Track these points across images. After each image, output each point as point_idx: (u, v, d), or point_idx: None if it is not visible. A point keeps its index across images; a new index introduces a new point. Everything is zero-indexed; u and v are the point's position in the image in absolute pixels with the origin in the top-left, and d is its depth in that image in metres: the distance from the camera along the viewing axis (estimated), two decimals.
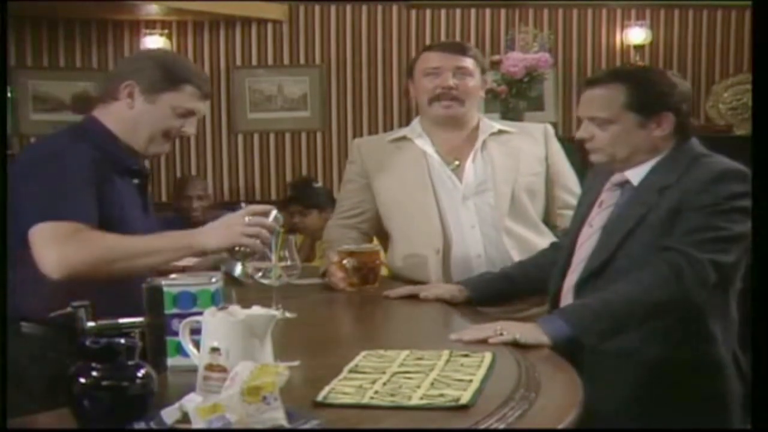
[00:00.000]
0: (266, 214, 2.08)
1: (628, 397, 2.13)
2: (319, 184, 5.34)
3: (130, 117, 2.19)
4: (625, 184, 2.25)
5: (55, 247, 1.96)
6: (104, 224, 2.07)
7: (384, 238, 2.98)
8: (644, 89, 2.20)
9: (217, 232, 2.07)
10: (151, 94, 2.18)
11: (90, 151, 2.12)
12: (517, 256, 2.66)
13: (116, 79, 2.22)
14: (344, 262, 2.54)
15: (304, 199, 4.89)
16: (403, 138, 2.85)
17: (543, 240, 2.71)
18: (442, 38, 5.91)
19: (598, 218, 2.27)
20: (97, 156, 2.12)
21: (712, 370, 2.12)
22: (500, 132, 2.82)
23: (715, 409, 2.14)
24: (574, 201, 2.77)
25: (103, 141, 2.18)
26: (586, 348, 2.09)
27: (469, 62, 2.78)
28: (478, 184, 2.76)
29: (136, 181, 2.25)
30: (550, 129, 2.92)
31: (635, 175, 2.23)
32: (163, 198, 5.81)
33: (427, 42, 5.88)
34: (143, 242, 2.07)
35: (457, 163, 2.78)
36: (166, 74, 2.19)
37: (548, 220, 2.85)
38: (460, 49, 2.83)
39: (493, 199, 2.74)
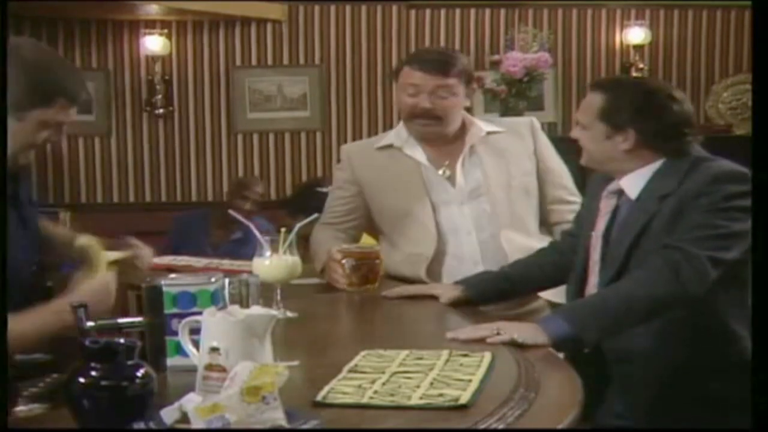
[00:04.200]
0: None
1: (644, 401, 2.14)
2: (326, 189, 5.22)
3: None
4: (621, 192, 2.26)
5: None
6: None
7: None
8: (615, 103, 2.21)
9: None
10: (20, 111, 1.96)
11: None
12: None
13: None
14: (343, 261, 2.54)
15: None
16: (391, 146, 2.81)
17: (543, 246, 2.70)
18: (442, 39, 5.92)
19: (598, 226, 2.29)
20: None
21: (741, 368, 2.04)
22: (488, 134, 2.78)
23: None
24: (565, 195, 2.78)
25: None
26: (597, 351, 2.10)
27: (451, 81, 2.67)
28: (470, 190, 2.73)
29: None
30: (537, 123, 2.88)
31: (628, 184, 2.23)
32: (163, 198, 5.83)
33: (427, 43, 5.89)
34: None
35: (447, 171, 2.75)
36: (36, 88, 1.97)
37: (542, 217, 2.84)
38: (443, 69, 2.67)
39: (488, 205, 2.72)
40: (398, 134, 2.83)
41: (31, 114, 1.98)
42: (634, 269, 2.14)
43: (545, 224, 2.82)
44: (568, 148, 2.88)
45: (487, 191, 2.73)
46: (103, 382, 1.27)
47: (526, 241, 2.66)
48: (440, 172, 2.75)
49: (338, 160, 6.01)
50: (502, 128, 2.83)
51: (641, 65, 5.89)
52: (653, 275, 2.05)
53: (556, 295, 2.59)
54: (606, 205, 2.29)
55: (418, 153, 2.78)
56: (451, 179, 2.75)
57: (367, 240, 4.63)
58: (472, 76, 2.80)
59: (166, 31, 5.71)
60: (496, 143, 2.78)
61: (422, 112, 2.69)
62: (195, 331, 1.52)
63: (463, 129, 2.78)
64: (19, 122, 1.97)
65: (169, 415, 1.23)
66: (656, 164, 2.21)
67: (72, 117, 2.05)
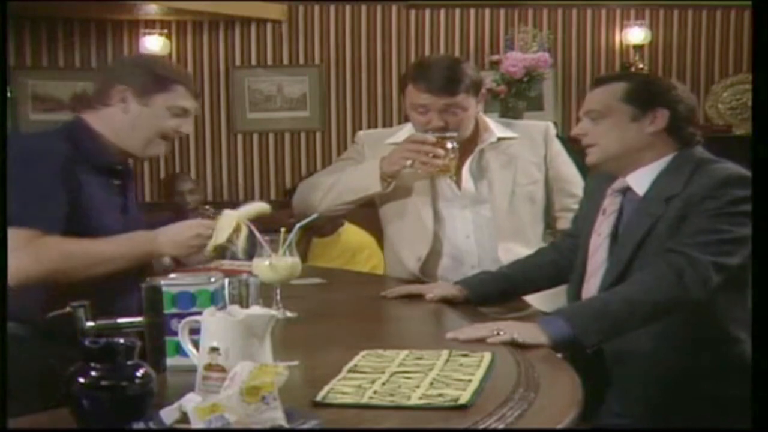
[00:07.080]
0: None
1: (644, 402, 2.13)
2: None
3: (125, 121, 2.22)
4: (626, 190, 2.25)
5: (12, 255, 1.89)
6: (77, 227, 2.09)
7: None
8: (643, 84, 2.25)
9: (172, 239, 2.20)
10: (145, 97, 2.21)
11: (68, 152, 2.13)
12: None
13: (106, 85, 2.24)
14: (448, 145, 2.57)
15: None
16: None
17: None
18: (442, 39, 5.92)
19: (603, 226, 2.27)
20: (74, 157, 2.13)
21: (740, 370, 2.03)
22: (499, 140, 2.77)
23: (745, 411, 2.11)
24: (573, 204, 2.76)
25: (84, 142, 2.19)
26: (597, 351, 2.09)
27: (459, 98, 2.64)
28: (475, 195, 2.73)
29: (117, 182, 2.27)
30: (552, 129, 2.87)
31: (636, 181, 2.22)
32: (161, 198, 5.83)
33: (426, 43, 5.91)
34: (102, 248, 2.11)
35: (453, 176, 2.73)
36: (156, 76, 2.23)
37: (547, 222, 2.84)
38: (450, 89, 2.62)
39: (490, 211, 2.73)
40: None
41: (155, 99, 2.21)
42: (637, 272, 2.13)
43: (552, 230, 2.82)
44: (567, 149, 2.89)
45: (491, 198, 2.73)
46: (103, 382, 1.27)
47: (524, 251, 2.64)
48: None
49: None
50: (516, 134, 2.81)
51: (641, 65, 5.89)
52: (656, 280, 2.05)
53: (545, 304, 2.59)
54: (611, 204, 2.27)
55: None
56: (458, 182, 2.75)
57: (355, 232, 4.59)
58: (481, 84, 2.75)
59: (165, 31, 5.71)
60: (507, 149, 2.77)
61: (436, 128, 2.67)
62: (195, 331, 1.51)
63: (476, 133, 2.77)
64: (146, 107, 2.21)
65: (168, 415, 1.23)
66: (664, 160, 2.21)
67: (194, 108, 2.31)
